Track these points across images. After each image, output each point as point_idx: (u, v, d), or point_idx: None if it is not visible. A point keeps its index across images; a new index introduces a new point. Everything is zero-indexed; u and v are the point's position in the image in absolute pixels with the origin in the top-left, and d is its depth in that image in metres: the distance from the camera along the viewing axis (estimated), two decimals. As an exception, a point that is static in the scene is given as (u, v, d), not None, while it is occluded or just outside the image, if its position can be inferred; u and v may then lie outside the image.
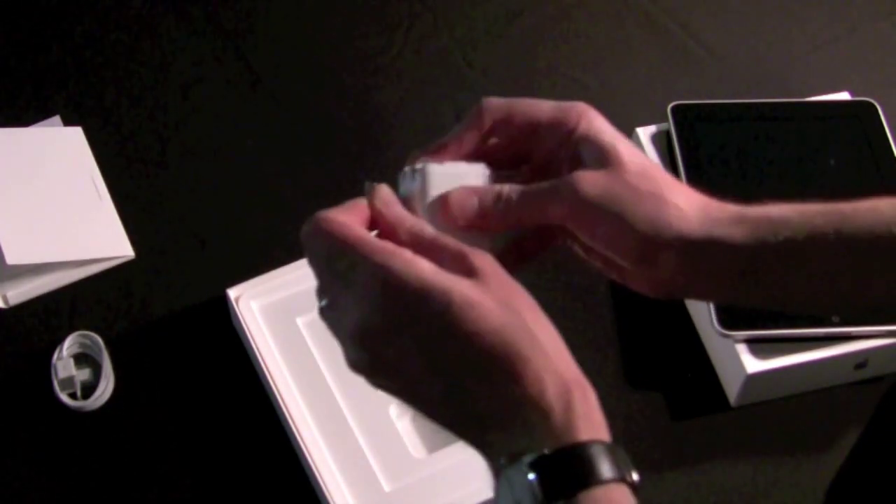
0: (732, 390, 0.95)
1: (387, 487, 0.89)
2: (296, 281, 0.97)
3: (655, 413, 0.95)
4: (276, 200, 1.08)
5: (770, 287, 0.64)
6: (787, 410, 0.95)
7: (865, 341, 0.93)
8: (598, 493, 0.54)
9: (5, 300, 1.00)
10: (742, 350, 0.93)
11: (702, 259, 0.63)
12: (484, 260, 0.58)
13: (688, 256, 0.63)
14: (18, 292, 1.01)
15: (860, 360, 0.94)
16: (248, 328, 0.95)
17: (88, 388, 0.96)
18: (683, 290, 0.66)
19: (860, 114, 1.05)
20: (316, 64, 1.17)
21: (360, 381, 0.93)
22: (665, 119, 1.05)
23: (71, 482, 0.92)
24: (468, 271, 0.57)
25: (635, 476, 0.56)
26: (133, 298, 1.01)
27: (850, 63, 1.17)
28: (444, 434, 0.91)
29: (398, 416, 0.93)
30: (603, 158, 0.64)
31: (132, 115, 1.13)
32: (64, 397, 0.95)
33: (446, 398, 0.57)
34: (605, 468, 0.54)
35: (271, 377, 0.93)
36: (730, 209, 0.64)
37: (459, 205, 0.64)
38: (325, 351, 0.95)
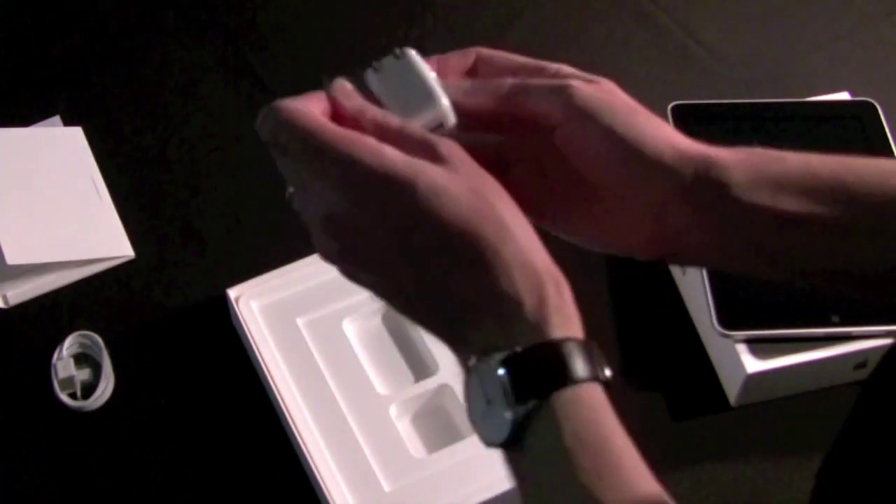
0: (732, 390, 0.95)
1: (387, 487, 0.89)
2: (296, 281, 0.97)
3: (655, 413, 0.95)
4: (276, 200, 1.07)
5: (763, 239, 0.60)
6: (787, 410, 0.95)
7: (865, 341, 0.93)
8: (569, 393, 0.52)
9: (5, 300, 1.00)
10: (742, 350, 0.93)
11: (695, 182, 0.59)
12: (451, 148, 0.56)
13: (680, 177, 0.59)
14: (18, 292, 1.01)
15: (860, 360, 0.94)
16: (248, 328, 0.95)
17: (88, 388, 0.96)
18: (672, 239, 0.61)
19: (860, 114, 1.05)
20: (316, 64, 1.17)
21: (360, 382, 0.94)
22: (665, 119, 1.04)
23: (71, 482, 0.92)
24: (436, 159, 0.56)
25: (608, 373, 0.54)
26: (133, 298, 1.01)
27: (850, 63, 1.17)
28: (444, 434, 0.92)
29: (398, 416, 0.93)
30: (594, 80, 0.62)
31: (132, 115, 1.13)
32: (64, 397, 0.95)
33: (417, 288, 0.55)
34: (579, 367, 0.53)
35: (271, 377, 0.93)
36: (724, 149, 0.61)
37: (455, 68, 0.62)
38: (325, 351, 0.95)
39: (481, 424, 0.54)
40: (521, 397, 0.52)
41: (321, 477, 0.88)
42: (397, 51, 0.61)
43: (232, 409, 0.95)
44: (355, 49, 1.18)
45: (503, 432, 0.53)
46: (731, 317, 0.92)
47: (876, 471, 0.65)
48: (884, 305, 0.93)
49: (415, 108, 0.60)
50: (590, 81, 0.61)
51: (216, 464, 0.93)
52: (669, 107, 1.05)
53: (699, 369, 0.97)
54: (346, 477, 0.89)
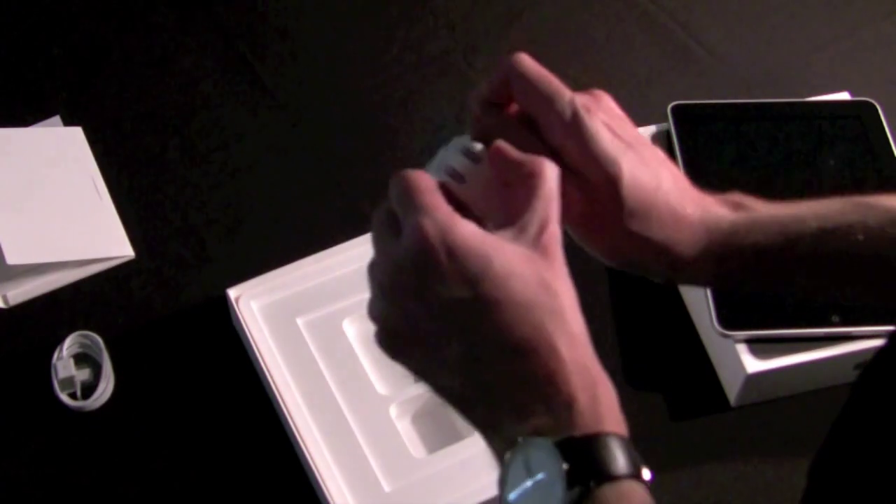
0: (732, 390, 0.95)
1: (387, 487, 0.89)
2: (296, 281, 0.97)
3: (655, 413, 0.95)
4: (276, 200, 1.08)
5: (756, 265, 0.64)
6: (787, 410, 0.95)
7: (865, 341, 0.93)
8: (621, 486, 0.53)
9: (5, 300, 1.00)
10: (742, 350, 0.93)
11: (710, 253, 0.64)
12: (550, 235, 0.57)
13: (696, 248, 0.64)
14: (18, 292, 1.01)
15: (860, 360, 0.94)
16: (248, 328, 0.95)
17: (88, 388, 0.96)
18: (692, 272, 0.65)
19: (860, 114, 1.05)
20: (316, 64, 1.17)
21: (360, 382, 0.94)
22: (665, 119, 1.05)
23: (71, 482, 0.92)
24: (531, 240, 0.57)
25: (649, 475, 0.55)
26: (133, 298, 1.01)
27: (850, 63, 1.17)
28: (444, 434, 0.92)
29: (398, 416, 0.93)
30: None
31: (132, 115, 1.13)
32: (64, 397, 0.95)
33: (462, 364, 0.56)
34: (629, 464, 0.54)
35: (271, 377, 0.93)
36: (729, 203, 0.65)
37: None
38: (325, 351, 0.95)
39: (519, 502, 0.54)
40: (573, 482, 0.53)
41: (321, 477, 0.88)
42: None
43: (232, 409, 0.95)
44: (355, 49, 1.18)
45: None
46: (731, 317, 0.93)
47: (866, 469, 0.65)
48: (884, 305, 0.93)
49: None
50: (616, 136, 0.63)
51: (216, 464, 0.93)
52: (669, 107, 1.05)
53: (699, 369, 0.97)
54: (346, 477, 0.89)
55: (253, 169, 1.09)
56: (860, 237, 0.63)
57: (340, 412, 0.92)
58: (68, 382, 0.95)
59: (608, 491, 0.53)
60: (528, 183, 0.58)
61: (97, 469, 0.93)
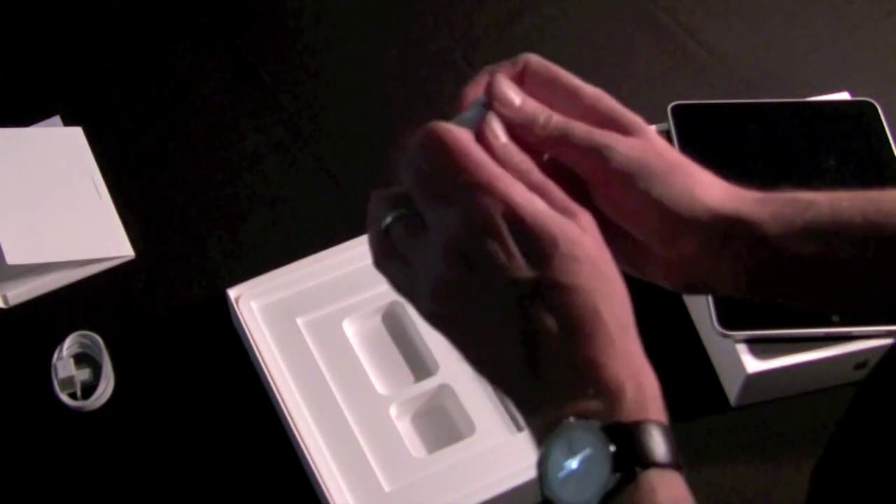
0: (732, 390, 0.95)
1: (387, 487, 0.89)
2: (296, 281, 0.97)
3: (655, 413, 0.95)
4: (275, 200, 1.08)
5: (793, 274, 0.62)
6: (787, 410, 0.95)
7: (865, 341, 0.93)
8: (663, 475, 0.54)
9: (5, 300, 1.00)
10: (742, 350, 0.93)
11: (727, 238, 0.61)
12: (588, 218, 0.57)
13: (714, 234, 0.61)
14: (18, 292, 1.01)
15: (860, 360, 0.94)
16: (248, 328, 0.95)
17: (88, 388, 0.96)
18: (705, 276, 0.63)
19: (860, 114, 1.05)
20: (316, 64, 1.17)
21: (360, 382, 0.94)
22: (665, 119, 1.05)
23: (71, 482, 0.92)
24: (579, 223, 0.56)
25: (680, 464, 0.56)
26: (133, 298, 1.01)
27: (850, 63, 1.17)
28: (444, 434, 0.92)
29: (398, 416, 0.93)
30: (630, 126, 0.62)
31: (132, 115, 1.13)
32: (64, 397, 0.95)
33: (515, 343, 0.55)
34: (671, 452, 0.54)
35: (271, 377, 0.93)
36: (754, 192, 0.63)
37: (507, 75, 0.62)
38: (325, 351, 0.95)
39: (557, 484, 0.54)
40: (618, 466, 0.53)
41: (321, 477, 0.88)
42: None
43: (232, 408, 0.95)
44: (355, 49, 1.18)
45: (588, 496, 0.53)
46: (731, 317, 0.92)
47: (870, 472, 0.65)
48: (884, 305, 0.93)
49: None
50: (629, 134, 0.62)
51: (216, 464, 0.93)
52: (669, 107, 1.05)
53: (699, 369, 0.97)
54: (346, 477, 0.89)
55: (253, 169, 1.09)
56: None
57: (340, 412, 0.92)
58: (68, 382, 0.95)
59: (653, 477, 0.54)
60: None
61: (97, 469, 0.93)
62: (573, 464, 0.54)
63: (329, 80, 1.16)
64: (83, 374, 0.96)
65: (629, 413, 0.54)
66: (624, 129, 0.62)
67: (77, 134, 1.10)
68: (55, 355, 0.96)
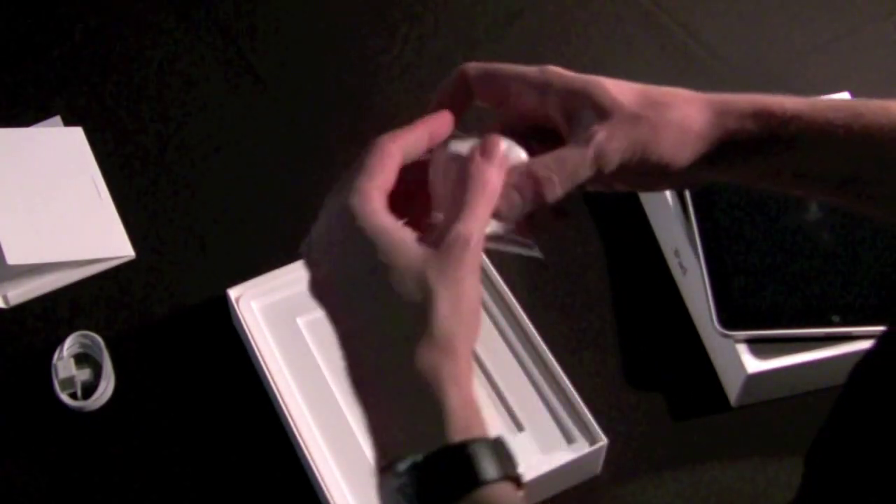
0: (732, 390, 0.95)
1: (387, 487, 0.89)
2: (296, 281, 0.97)
3: (655, 413, 0.95)
4: (275, 201, 1.08)
5: (777, 165, 0.64)
6: (787, 410, 0.95)
7: (865, 341, 0.93)
8: (483, 493, 0.52)
9: (5, 300, 1.00)
10: (742, 350, 0.93)
11: (720, 156, 0.63)
12: (455, 238, 0.57)
13: (704, 162, 0.63)
14: (18, 292, 1.01)
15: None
16: (248, 328, 0.95)
17: (88, 388, 0.96)
18: (701, 180, 0.65)
19: (860, 114, 1.05)
20: (316, 64, 1.17)
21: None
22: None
23: (71, 482, 0.92)
24: (434, 240, 0.57)
25: (519, 470, 0.54)
26: (133, 298, 1.01)
27: (850, 63, 1.17)
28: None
29: (398, 416, 0.93)
30: (598, 107, 0.62)
31: (132, 115, 1.13)
32: (64, 397, 0.95)
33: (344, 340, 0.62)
34: (497, 467, 0.53)
35: (271, 377, 0.93)
36: (741, 103, 0.64)
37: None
38: (325, 351, 0.95)
39: None
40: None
41: (321, 477, 0.88)
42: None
43: (232, 408, 0.95)
44: (356, 49, 1.18)
45: None
46: (731, 317, 0.92)
47: (862, 454, 0.65)
48: (884, 305, 0.93)
49: None
50: (600, 112, 0.62)
51: (216, 464, 0.93)
52: (669, 107, 1.04)
53: (699, 369, 0.97)
54: (346, 477, 0.89)
55: (253, 169, 1.09)
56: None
57: (340, 412, 0.92)
58: (68, 382, 0.95)
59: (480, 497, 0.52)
60: (463, 184, 0.59)
61: (97, 469, 0.93)
62: None
63: (329, 81, 1.16)
64: (83, 374, 0.96)
65: (454, 433, 0.54)
66: (595, 108, 0.62)
67: (77, 134, 1.10)
68: (55, 355, 0.96)
